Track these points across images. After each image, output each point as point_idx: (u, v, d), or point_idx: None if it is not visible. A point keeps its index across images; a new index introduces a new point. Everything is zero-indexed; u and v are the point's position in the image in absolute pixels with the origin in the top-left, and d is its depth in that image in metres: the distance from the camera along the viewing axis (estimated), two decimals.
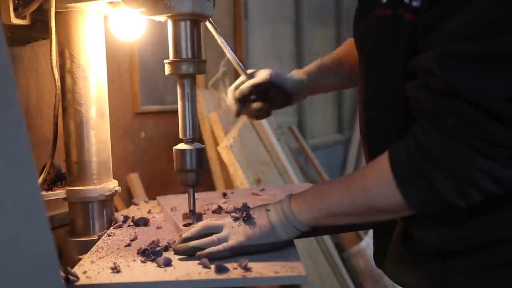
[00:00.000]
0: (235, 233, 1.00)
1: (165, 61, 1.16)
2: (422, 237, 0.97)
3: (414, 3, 0.86)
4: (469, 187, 0.81)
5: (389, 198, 0.88)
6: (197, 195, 1.48)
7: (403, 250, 1.02)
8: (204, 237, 1.01)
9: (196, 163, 1.17)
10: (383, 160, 0.89)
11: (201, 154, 1.18)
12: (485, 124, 0.78)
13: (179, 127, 1.18)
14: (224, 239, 1.00)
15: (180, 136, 1.19)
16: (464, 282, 0.92)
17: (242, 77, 1.33)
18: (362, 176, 0.93)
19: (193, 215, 1.19)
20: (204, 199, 1.42)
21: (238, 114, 1.34)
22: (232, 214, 1.04)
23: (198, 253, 0.99)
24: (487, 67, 0.77)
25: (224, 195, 1.48)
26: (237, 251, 0.99)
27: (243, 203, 1.15)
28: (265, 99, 1.33)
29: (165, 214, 1.33)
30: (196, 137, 1.19)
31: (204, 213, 1.27)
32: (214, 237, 1.01)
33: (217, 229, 1.02)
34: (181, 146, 1.18)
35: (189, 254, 1.00)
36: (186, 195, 1.49)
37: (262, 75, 1.31)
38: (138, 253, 1.03)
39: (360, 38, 1.04)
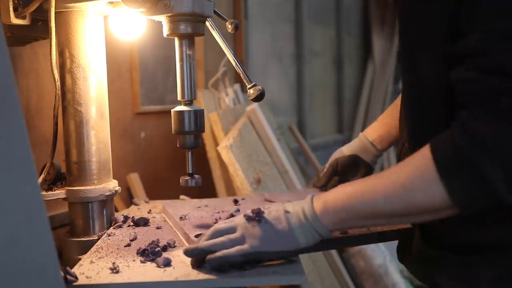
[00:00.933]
0: (249, 236, 0.91)
1: (163, 20, 1.15)
2: (443, 232, 0.92)
3: None
4: None
5: (431, 195, 0.81)
6: (206, 201, 1.43)
7: (422, 244, 0.97)
8: None
9: (194, 125, 1.16)
10: (423, 155, 0.83)
11: (199, 116, 1.18)
12: None
13: (177, 89, 1.18)
14: (237, 241, 0.92)
15: (179, 98, 1.18)
16: (485, 281, 0.86)
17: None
18: (397, 173, 0.86)
19: (192, 178, 1.19)
20: (214, 206, 1.35)
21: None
22: (246, 212, 0.96)
23: (208, 257, 0.91)
24: None
25: (236, 202, 1.40)
26: (251, 257, 0.90)
27: (257, 209, 1.02)
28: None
29: (174, 223, 1.26)
30: (195, 98, 1.19)
31: (216, 222, 1.20)
32: (225, 238, 0.92)
33: (230, 232, 0.94)
34: (180, 107, 1.17)
35: (197, 256, 0.93)
36: (192, 201, 1.45)
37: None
38: (137, 253, 1.03)
39: (401, 10, 0.94)
